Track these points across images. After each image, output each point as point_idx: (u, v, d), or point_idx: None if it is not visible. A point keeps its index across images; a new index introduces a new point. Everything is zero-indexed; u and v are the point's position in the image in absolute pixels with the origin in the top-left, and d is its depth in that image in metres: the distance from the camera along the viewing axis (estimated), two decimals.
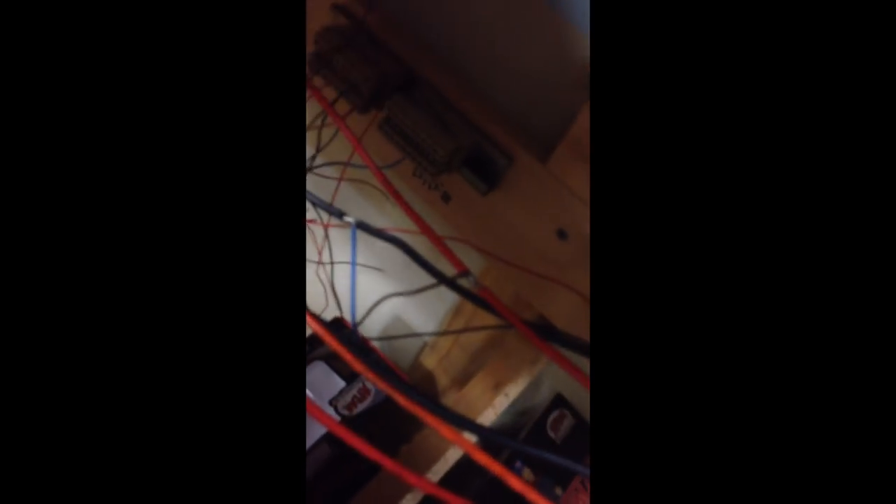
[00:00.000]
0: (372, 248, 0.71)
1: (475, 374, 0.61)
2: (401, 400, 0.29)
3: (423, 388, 0.79)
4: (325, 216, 0.43)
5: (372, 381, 0.29)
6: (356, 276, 0.36)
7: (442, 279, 0.39)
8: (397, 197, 0.36)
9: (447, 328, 0.74)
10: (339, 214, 0.34)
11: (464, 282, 0.39)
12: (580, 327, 0.49)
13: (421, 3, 0.52)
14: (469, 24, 0.51)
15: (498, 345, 0.64)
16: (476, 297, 0.40)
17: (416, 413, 0.29)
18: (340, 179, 0.45)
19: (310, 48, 0.51)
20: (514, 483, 0.27)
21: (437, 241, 0.38)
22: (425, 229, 0.36)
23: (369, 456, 0.27)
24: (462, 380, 0.72)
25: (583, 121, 0.44)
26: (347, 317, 0.37)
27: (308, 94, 0.45)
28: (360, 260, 0.75)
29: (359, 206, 0.64)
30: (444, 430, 0.28)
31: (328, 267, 0.57)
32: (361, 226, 0.34)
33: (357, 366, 0.30)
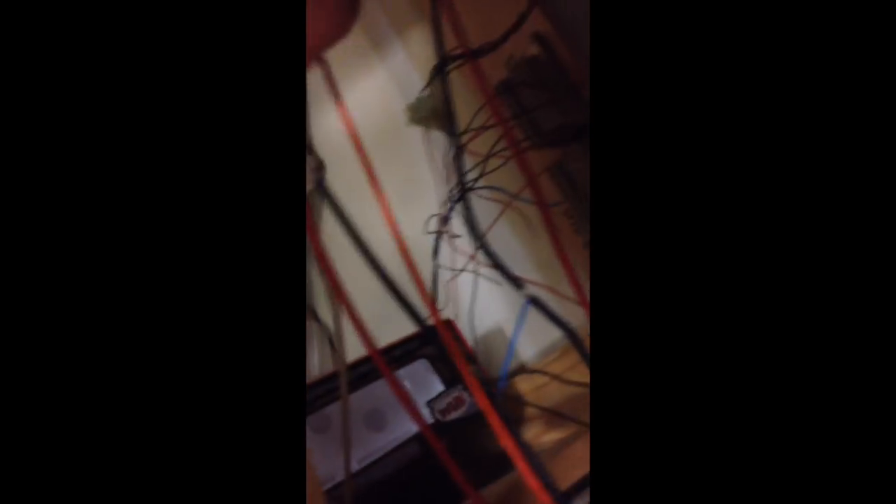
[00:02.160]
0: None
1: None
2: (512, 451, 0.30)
3: (509, 408, 0.79)
4: (472, 247, 0.45)
5: (494, 428, 0.30)
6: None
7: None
8: (560, 252, 0.36)
9: (550, 363, 0.74)
10: (518, 284, 0.35)
11: None
12: None
13: None
14: None
15: None
16: None
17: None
18: (504, 209, 0.47)
19: (501, 73, 0.53)
20: None
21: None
22: (583, 300, 0.36)
23: (457, 481, 0.29)
24: (551, 416, 0.71)
25: None
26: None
27: (493, 121, 0.46)
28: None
29: (504, 237, 0.65)
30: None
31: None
32: (535, 302, 0.35)
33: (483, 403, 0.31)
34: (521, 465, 0.32)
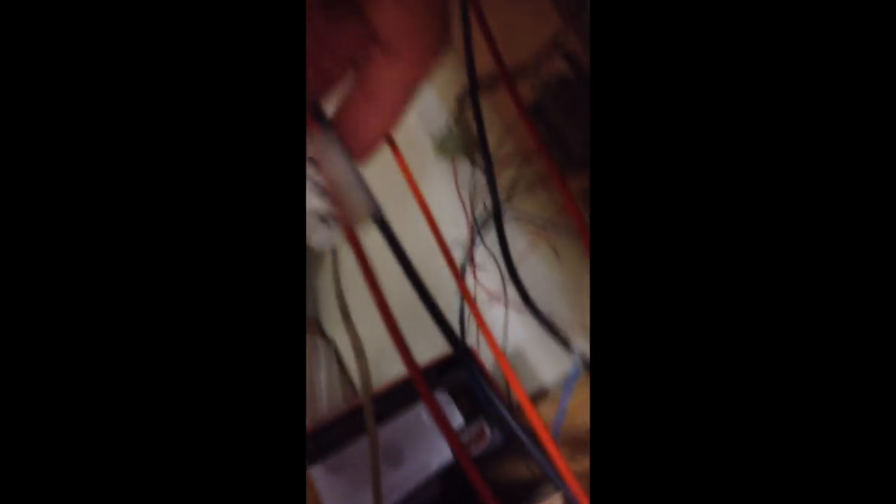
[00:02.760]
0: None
1: None
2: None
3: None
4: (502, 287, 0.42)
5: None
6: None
7: None
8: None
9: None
10: (566, 343, 0.32)
11: None
12: None
13: None
14: None
15: None
16: None
17: None
18: (536, 240, 0.44)
19: (528, 95, 0.51)
20: None
21: None
22: None
23: None
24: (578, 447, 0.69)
25: None
26: None
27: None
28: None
29: (530, 266, 0.63)
30: None
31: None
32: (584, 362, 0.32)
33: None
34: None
